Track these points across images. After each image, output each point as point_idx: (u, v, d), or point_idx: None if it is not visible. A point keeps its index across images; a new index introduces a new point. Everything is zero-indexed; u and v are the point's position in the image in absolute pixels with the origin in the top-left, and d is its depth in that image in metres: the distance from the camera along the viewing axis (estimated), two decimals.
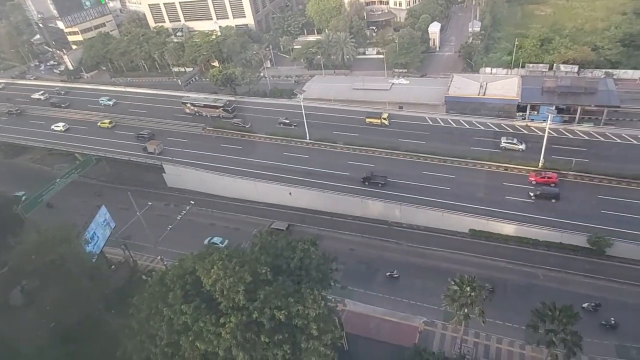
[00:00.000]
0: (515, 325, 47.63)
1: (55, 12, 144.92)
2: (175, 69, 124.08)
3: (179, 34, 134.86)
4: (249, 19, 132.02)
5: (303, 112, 77.75)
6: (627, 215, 56.13)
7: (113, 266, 62.37)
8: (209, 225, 70.39)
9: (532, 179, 63.88)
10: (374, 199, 65.27)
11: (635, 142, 68.67)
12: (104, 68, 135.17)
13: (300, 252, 40.73)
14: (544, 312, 39.37)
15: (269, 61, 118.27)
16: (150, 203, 70.23)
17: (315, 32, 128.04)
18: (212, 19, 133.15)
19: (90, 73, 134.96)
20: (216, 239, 65.04)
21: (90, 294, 49.20)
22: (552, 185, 62.49)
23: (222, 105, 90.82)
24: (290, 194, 70.33)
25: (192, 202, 72.51)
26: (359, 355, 47.73)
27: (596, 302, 48.80)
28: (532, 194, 61.52)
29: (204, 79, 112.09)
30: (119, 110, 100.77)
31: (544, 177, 63.17)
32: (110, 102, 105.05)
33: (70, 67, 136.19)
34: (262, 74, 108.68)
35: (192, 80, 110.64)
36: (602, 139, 70.37)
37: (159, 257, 61.56)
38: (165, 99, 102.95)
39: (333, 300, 46.74)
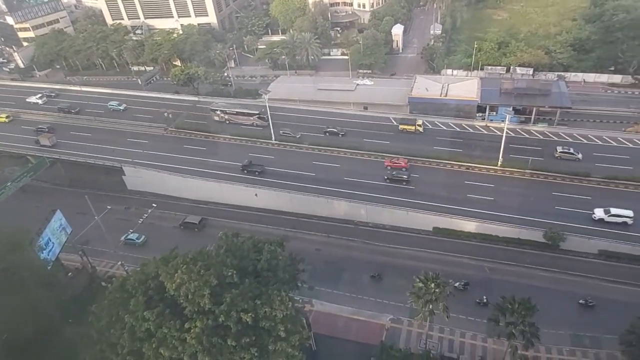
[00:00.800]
0: (477, 319, 49.13)
1: (4, 6, 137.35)
2: (135, 68, 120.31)
3: (139, 32, 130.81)
4: (211, 18, 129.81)
5: (268, 112, 77.24)
6: (578, 210, 59.16)
7: (70, 273, 59.61)
8: (172, 228, 68.60)
9: (387, 164, 70.28)
10: (339, 199, 65.67)
11: (585, 141, 72.45)
12: (58, 66, 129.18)
13: (267, 254, 40.36)
14: (504, 305, 40.85)
15: (232, 61, 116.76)
16: (109, 207, 67.64)
17: (280, 32, 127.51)
18: (173, 17, 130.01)
19: (44, 72, 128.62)
20: (132, 236, 65.61)
21: (46, 303, 46.77)
22: (403, 169, 68.64)
23: (257, 112, 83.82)
24: (256, 195, 69.67)
25: (154, 205, 70.44)
26: (327, 354, 47.86)
27: (465, 282, 53.01)
28: (386, 177, 67.70)
29: (165, 78, 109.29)
30: (130, 116, 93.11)
31: (395, 163, 69.86)
32: (121, 107, 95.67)
33: (21, 65, 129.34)
34: (226, 74, 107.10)
35: (152, 79, 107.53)
36: (556, 139, 73.78)
37: (119, 263, 59.28)
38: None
39: (300, 300, 46.64)
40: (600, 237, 55.61)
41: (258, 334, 35.60)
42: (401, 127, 79.36)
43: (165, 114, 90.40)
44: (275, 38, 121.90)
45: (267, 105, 77.45)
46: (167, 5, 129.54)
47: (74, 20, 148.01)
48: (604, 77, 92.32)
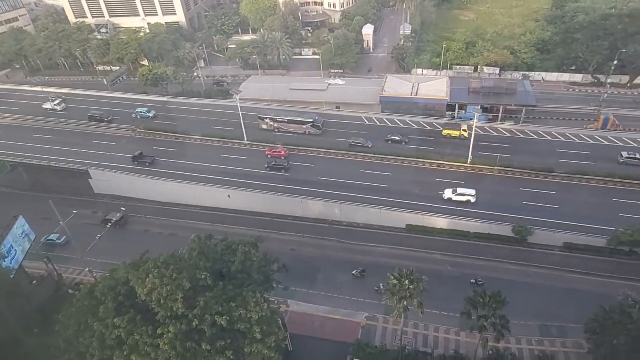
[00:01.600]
0: (451, 314, 50.08)
1: None
2: (100, 68, 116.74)
3: (103, 30, 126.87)
4: (179, 17, 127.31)
5: (240, 112, 76.39)
6: (543, 205, 61.08)
7: (34, 282, 57.11)
8: (142, 232, 67.01)
9: (267, 153, 74.34)
10: (314, 199, 65.65)
11: (549, 138, 74.98)
12: (18, 66, 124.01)
13: (241, 255, 39.93)
14: (476, 299, 41.74)
15: (202, 61, 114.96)
16: (75, 211, 65.44)
17: (251, 32, 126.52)
18: (139, 15, 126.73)
19: (3, 72, 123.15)
20: (53, 236, 64.48)
21: (9, 313, 44.71)
22: (282, 158, 72.89)
23: (311, 120, 79.58)
24: (229, 196, 68.80)
25: (123, 209, 68.59)
26: (303, 355, 47.75)
27: (362, 269, 56.79)
28: (266, 166, 71.70)
29: (132, 79, 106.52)
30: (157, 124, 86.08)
31: (275, 152, 73.96)
32: (151, 114, 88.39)
33: None
34: (195, 74, 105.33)
35: (119, 79, 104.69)
36: (522, 136, 76.07)
37: (87, 269, 57.47)
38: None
39: (276, 301, 46.34)
40: (566, 231, 57.65)
41: (233, 337, 35.16)
42: (445, 132, 76.65)
43: (134, 115, 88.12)
44: (246, 37, 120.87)
45: (238, 105, 76.58)
46: (133, 3, 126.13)
47: (35, 19, 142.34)
48: (566, 77, 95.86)
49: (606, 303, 42.90)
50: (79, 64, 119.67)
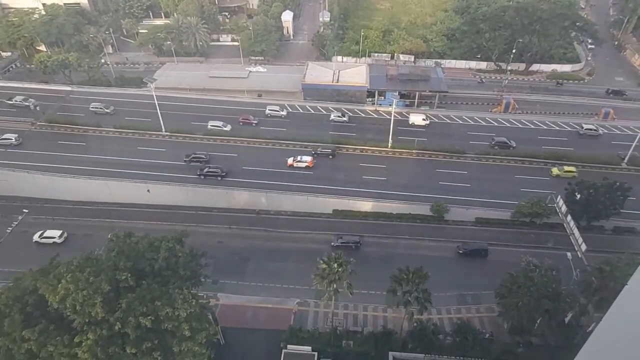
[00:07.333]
0: (378, 292, 52.25)
1: None
2: None
3: None
4: None
5: (156, 102, 72.18)
6: (457, 184, 65.59)
7: None
8: None
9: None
10: (239, 189, 64.48)
11: (460, 121, 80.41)
12: None
13: (165, 252, 38.25)
14: (400, 276, 44.04)
15: (110, 46, 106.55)
16: None
17: (163, 16, 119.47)
18: None
19: None
20: None
21: None
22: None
23: None
24: (148, 190, 65.17)
25: (26, 211, 62.07)
26: (236, 347, 47.27)
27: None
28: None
29: (27, 65, 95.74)
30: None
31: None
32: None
33: None
34: (103, 61, 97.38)
35: (11, 67, 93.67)
36: (437, 120, 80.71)
37: None
38: None
39: (205, 296, 45.17)
40: (477, 207, 62.59)
41: (161, 337, 33.84)
42: None
43: (32, 106, 79.47)
44: (159, 22, 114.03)
45: (154, 94, 72.28)
46: None
47: None
48: (472, 64, 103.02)
49: (512, 269, 47.47)
50: None
